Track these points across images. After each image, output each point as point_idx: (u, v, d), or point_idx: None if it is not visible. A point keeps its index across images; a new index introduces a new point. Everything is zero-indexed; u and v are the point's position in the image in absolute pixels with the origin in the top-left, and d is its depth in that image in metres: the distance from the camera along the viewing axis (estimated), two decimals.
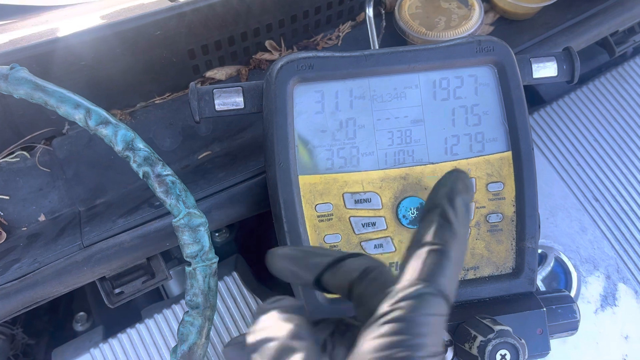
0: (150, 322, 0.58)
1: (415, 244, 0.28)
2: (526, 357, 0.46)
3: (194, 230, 0.48)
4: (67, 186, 0.62)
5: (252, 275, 0.63)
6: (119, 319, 0.61)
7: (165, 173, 0.48)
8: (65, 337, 0.68)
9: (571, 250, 0.64)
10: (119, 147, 0.48)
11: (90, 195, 0.61)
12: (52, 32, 0.55)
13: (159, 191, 0.48)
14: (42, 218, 0.61)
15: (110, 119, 0.48)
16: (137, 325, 0.57)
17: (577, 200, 0.66)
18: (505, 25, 0.73)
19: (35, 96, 0.48)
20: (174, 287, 0.68)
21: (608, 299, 0.63)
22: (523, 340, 0.46)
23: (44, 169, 0.63)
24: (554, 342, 0.60)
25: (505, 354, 0.46)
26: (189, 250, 0.49)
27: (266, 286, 0.63)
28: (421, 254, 0.27)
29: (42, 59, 0.54)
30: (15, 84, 0.48)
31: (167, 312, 0.58)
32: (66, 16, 0.60)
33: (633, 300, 0.63)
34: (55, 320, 0.77)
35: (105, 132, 0.48)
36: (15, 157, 0.63)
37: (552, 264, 0.63)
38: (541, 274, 0.62)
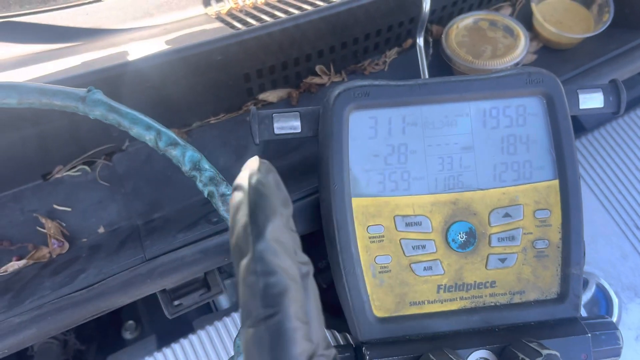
0: (202, 333, 0.60)
1: None
2: None
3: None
4: (125, 200, 0.65)
5: None
6: (170, 329, 0.63)
7: (228, 193, 0.51)
8: (113, 345, 0.71)
9: (612, 277, 0.65)
10: (186, 168, 0.51)
11: (147, 210, 0.64)
12: (122, 55, 0.59)
13: (222, 210, 0.51)
14: (101, 230, 0.64)
15: (179, 140, 0.51)
16: (190, 336, 0.60)
17: (618, 227, 0.67)
18: (548, 54, 0.75)
19: (109, 117, 0.51)
20: (222, 300, 0.70)
21: None
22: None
23: (104, 183, 0.66)
24: None
25: None
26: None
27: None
28: None
29: (112, 81, 0.57)
30: (92, 105, 0.51)
31: (218, 324, 0.60)
32: (131, 39, 0.64)
33: None
34: (104, 327, 0.79)
35: (174, 153, 0.51)
36: (77, 171, 0.67)
37: (593, 290, 0.64)
38: (583, 300, 0.63)
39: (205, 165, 0.52)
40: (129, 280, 0.53)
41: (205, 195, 0.52)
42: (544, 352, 0.48)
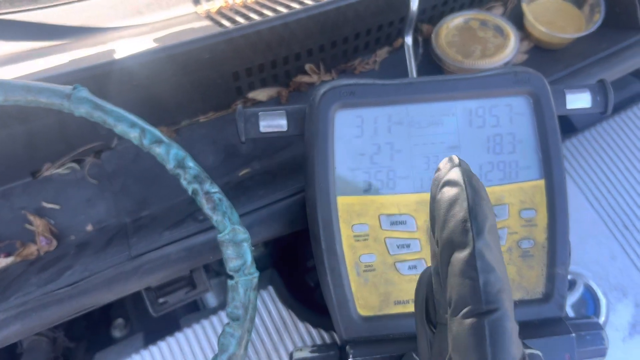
0: (189, 331, 0.60)
1: None
2: None
3: (238, 246, 0.51)
4: (114, 198, 0.65)
5: (286, 289, 0.65)
6: (157, 327, 0.63)
7: (213, 190, 0.51)
8: (102, 342, 0.71)
9: (600, 277, 0.65)
10: (170, 165, 0.51)
11: (136, 208, 0.64)
12: (110, 53, 0.59)
13: (206, 207, 0.51)
14: (89, 228, 0.64)
15: (163, 138, 0.51)
16: (177, 334, 0.60)
17: (607, 227, 0.67)
18: (540, 54, 0.74)
19: (94, 115, 0.51)
20: (209, 297, 0.70)
21: (637, 327, 0.63)
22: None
23: (93, 181, 0.66)
24: None
25: None
26: (232, 264, 0.51)
27: (299, 301, 0.65)
28: None
29: (100, 79, 0.57)
30: (77, 103, 0.51)
31: (205, 322, 0.61)
32: (120, 37, 0.64)
33: None
34: (93, 325, 0.80)
35: (158, 150, 0.51)
36: (66, 168, 0.67)
37: (581, 290, 0.64)
38: (570, 300, 0.63)
39: (190, 163, 0.52)
40: (114, 277, 0.53)
41: (190, 193, 0.52)
42: (527, 351, 0.48)
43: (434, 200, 0.30)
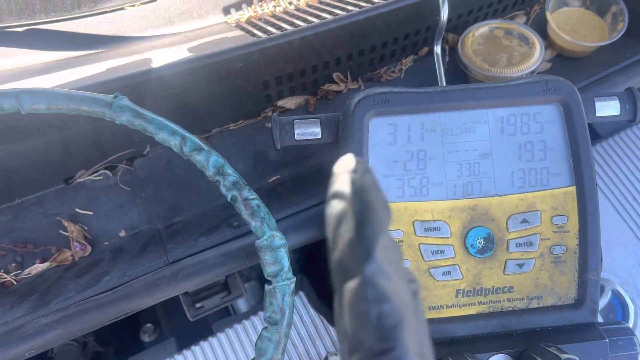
0: (221, 336, 0.61)
1: None
2: None
3: (276, 251, 0.52)
4: (146, 204, 0.66)
5: (316, 295, 0.66)
6: (189, 332, 0.64)
7: (251, 197, 0.52)
8: (131, 347, 0.72)
9: (628, 284, 0.65)
10: (210, 172, 0.52)
11: (168, 214, 0.65)
12: (145, 63, 0.60)
13: (245, 213, 0.52)
14: (122, 233, 0.65)
15: (203, 146, 0.52)
16: (210, 339, 0.61)
17: (634, 234, 0.68)
18: (563, 62, 0.75)
19: (135, 123, 0.52)
20: (241, 303, 0.71)
21: None
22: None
23: (125, 188, 0.67)
24: None
25: None
26: (270, 269, 0.52)
27: (328, 306, 0.66)
28: None
29: (136, 88, 0.58)
30: (119, 111, 0.52)
31: (238, 327, 0.61)
32: (154, 47, 0.65)
33: None
34: (122, 330, 0.80)
35: (198, 158, 0.52)
36: (99, 175, 0.68)
37: (609, 296, 0.64)
38: (599, 306, 0.64)
39: (229, 170, 0.53)
40: (153, 283, 0.54)
41: (229, 200, 0.53)
42: (563, 356, 0.49)
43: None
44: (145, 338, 0.74)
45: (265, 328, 0.53)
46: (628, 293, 0.65)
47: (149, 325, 0.75)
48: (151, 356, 0.62)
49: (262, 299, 0.63)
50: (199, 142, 0.53)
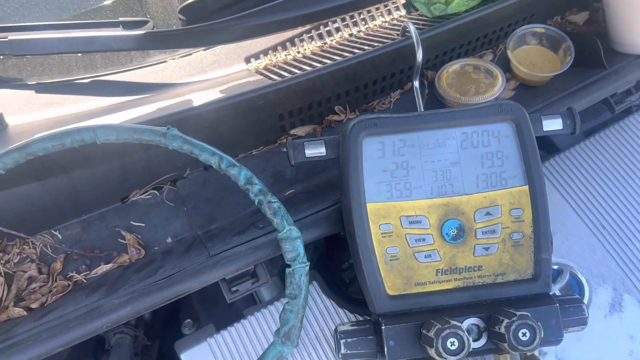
0: (252, 318, 0.75)
1: None
2: (542, 335, 0.62)
3: (293, 241, 0.67)
4: (187, 216, 0.82)
5: (326, 284, 0.80)
6: (224, 319, 0.78)
7: (273, 200, 0.68)
8: (174, 340, 0.86)
9: (583, 268, 0.79)
10: (241, 182, 0.68)
11: (205, 223, 0.81)
12: (187, 103, 0.77)
13: (269, 213, 0.68)
14: (169, 240, 0.81)
15: (236, 163, 0.69)
16: (242, 321, 0.75)
17: (588, 228, 0.82)
18: (524, 90, 0.91)
19: (184, 147, 0.69)
20: (264, 293, 0.85)
21: (615, 306, 0.77)
22: (539, 324, 0.62)
23: (170, 204, 0.83)
24: (572, 341, 0.75)
25: (525, 332, 0.61)
26: (289, 255, 0.67)
27: (336, 293, 0.80)
28: None
29: (181, 122, 0.75)
30: (171, 139, 0.69)
31: (264, 310, 0.76)
32: (191, 91, 0.82)
33: (636, 308, 0.77)
34: (166, 326, 0.95)
35: (232, 172, 0.68)
36: (149, 194, 0.84)
37: (567, 278, 0.78)
38: (559, 286, 0.78)
39: (256, 180, 0.69)
40: (199, 270, 0.69)
41: (256, 203, 0.68)
42: (518, 313, 0.63)
43: None
44: (186, 331, 0.88)
45: (287, 302, 0.68)
46: (583, 275, 0.78)
47: (188, 320, 0.89)
48: (194, 339, 0.76)
49: (282, 292, 0.78)
50: (233, 160, 0.69)
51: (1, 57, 0.83)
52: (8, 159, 0.66)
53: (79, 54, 0.84)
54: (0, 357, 0.64)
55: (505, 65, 0.92)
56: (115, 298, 0.68)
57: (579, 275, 0.78)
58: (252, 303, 0.86)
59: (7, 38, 0.78)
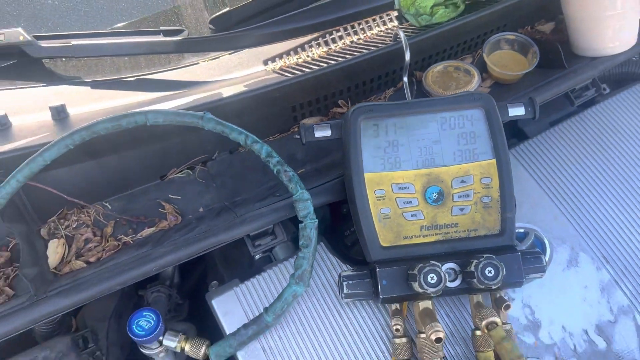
0: (270, 271, 0.91)
1: None
2: (504, 273, 0.77)
3: (305, 202, 0.84)
4: (216, 190, 0.98)
5: (331, 248, 0.96)
6: (247, 275, 0.94)
7: (288, 170, 0.84)
8: (202, 299, 1.02)
9: (546, 231, 0.95)
10: (263, 156, 0.85)
11: (231, 195, 0.97)
12: (216, 95, 0.94)
13: (285, 180, 0.84)
14: (201, 209, 0.97)
15: (259, 140, 0.85)
16: (262, 273, 0.91)
17: (550, 199, 0.98)
18: (498, 87, 1.08)
19: (217, 128, 0.86)
20: (279, 252, 1.00)
21: (572, 262, 0.93)
22: (502, 264, 0.78)
23: (201, 181, 1.00)
24: (536, 290, 0.90)
25: (490, 270, 0.77)
26: (302, 213, 0.83)
27: (339, 252, 0.96)
28: None
29: (213, 110, 0.92)
30: (207, 121, 0.85)
31: (280, 265, 0.91)
32: (220, 86, 0.99)
33: (589, 263, 0.92)
34: (195, 287, 1.11)
35: (256, 147, 0.85)
36: (183, 173, 1.01)
37: (532, 239, 0.94)
38: (525, 245, 0.93)
39: (274, 154, 0.85)
40: (229, 227, 0.85)
41: (275, 172, 0.85)
42: (485, 255, 0.79)
43: None
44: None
45: (299, 251, 0.84)
46: (546, 237, 0.94)
47: (214, 282, 1.04)
48: (222, 290, 0.91)
49: (295, 253, 0.94)
50: (257, 138, 0.86)
51: (64, 59, 1.00)
52: (77, 136, 0.83)
53: (127, 57, 1.01)
54: (70, 294, 0.80)
55: (482, 67, 1.09)
56: (161, 248, 0.84)
57: (543, 237, 0.94)
58: (269, 262, 1.01)
59: (70, 43, 0.95)
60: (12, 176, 0.80)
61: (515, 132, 1.12)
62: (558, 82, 1.03)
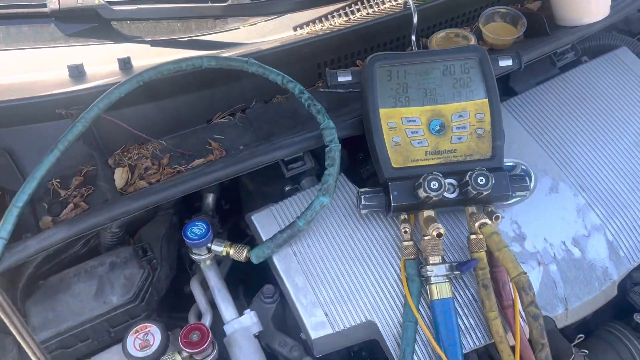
0: (299, 195, 1.09)
1: None
2: (493, 182, 0.95)
3: (331, 130, 1.02)
4: (254, 133, 1.17)
5: (350, 179, 1.14)
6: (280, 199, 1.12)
7: (317, 104, 1.03)
8: (240, 232, 1.20)
9: (532, 165, 1.13)
10: (296, 93, 1.04)
11: (267, 136, 1.16)
12: (257, 49, 1.14)
13: (314, 111, 1.03)
14: (241, 147, 1.16)
15: (293, 80, 1.04)
16: (292, 196, 1.09)
17: (535, 140, 1.16)
18: (492, 52, 1.27)
19: (259, 70, 1.05)
20: (306, 185, 1.18)
21: (553, 189, 1.10)
22: (492, 175, 0.96)
23: (240, 125, 1.19)
24: (522, 210, 1.08)
25: (482, 179, 0.95)
26: (327, 139, 1.02)
27: (354, 181, 1.14)
28: None
29: (256, 58, 1.11)
30: (251, 65, 1.05)
31: (307, 191, 1.10)
32: (260, 45, 1.19)
33: (568, 190, 1.10)
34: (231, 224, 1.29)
35: (290, 85, 1.04)
36: (226, 118, 1.20)
37: (520, 170, 1.12)
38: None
39: (305, 91, 1.04)
40: (268, 151, 1.04)
41: (305, 106, 1.04)
42: (478, 168, 0.96)
43: None
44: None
45: (325, 169, 1.02)
46: (531, 169, 1.12)
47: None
48: (259, 210, 1.09)
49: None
50: (291, 79, 1.05)
51: (128, 22, 1.21)
52: (146, 74, 1.02)
53: (180, 21, 1.21)
54: (139, 198, 0.99)
55: (478, 36, 1.28)
56: (212, 167, 1.03)
57: (529, 169, 1.12)
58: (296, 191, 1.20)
59: (135, 7, 1.16)
60: (94, 104, 1.00)
61: (507, 91, 1.30)
62: (542, 44, 1.22)
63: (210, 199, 1.25)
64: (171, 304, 1.18)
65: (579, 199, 1.10)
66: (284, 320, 1.12)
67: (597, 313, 1.10)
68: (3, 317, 0.58)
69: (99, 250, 1.13)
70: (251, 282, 1.18)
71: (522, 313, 0.94)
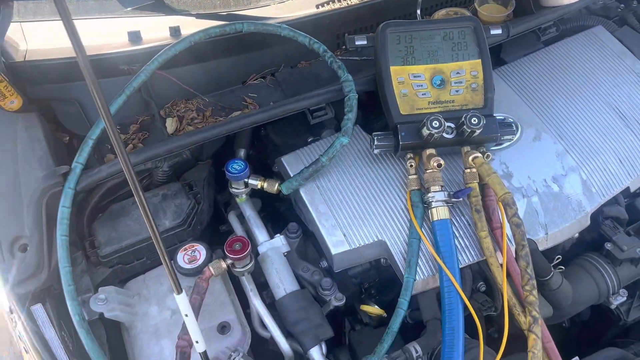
0: (320, 141, 1.29)
1: None
2: (484, 122, 1.15)
3: (349, 82, 1.23)
4: (282, 92, 1.38)
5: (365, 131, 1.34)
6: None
7: (338, 60, 1.24)
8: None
9: (518, 119, 1.33)
10: (320, 52, 1.25)
11: (294, 93, 1.36)
12: (286, 19, 1.35)
13: (335, 67, 1.24)
14: (271, 103, 1.36)
15: (316, 41, 1.25)
16: (316, 142, 1.29)
17: (521, 99, 1.36)
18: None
19: (290, 34, 1.26)
20: (326, 133, 1.38)
21: (536, 138, 1.30)
22: (483, 116, 1.16)
23: (271, 86, 1.40)
24: (508, 154, 1.28)
25: (475, 119, 1.15)
26: (347, 89, 1.23)
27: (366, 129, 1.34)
28: None
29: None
30: (283, 29, 1.25)
31: (329, 138, 1.30)
32: (288, 19, 1.40)
33: (549, 139, 1.30)
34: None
35: (315, 46, 1.25)
36: (258, 80, 1.41)
37: (510, 122, 1.32)
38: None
39: (328, 50, 1.25)
40: (297, 100, 1.24)
41: (328, 64, 1.25)
42: (471, 111, 1.17)
43: None
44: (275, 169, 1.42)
45: (344, 114, 1.22)
46: (519, 122, 1.32)
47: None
48: (287, 154, 1.29)
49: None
50: (317, 41, 1.26)
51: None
52: (197, 36, 1.23)
53: None
54: (191, 135, 1.19)
55: (474, 14, 1.50)
56: (249, 114, 1.24)
57: (517, 122, 1.32)
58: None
59: None
60: (154, 59, 1.21)
61: (498, 62, 1.51)
62: (528, 20, 1.43)
63: (242, 153, 1.46)
64: (210, 238, 1.38)
65: (558, 146, 1.29)
66: (305, 253, 1.31)
67: (574, 247, 1.30)
68: None
69: (150, 189, 1.33)
70: (277, 222, 1.38)
71: (509, 231, 1.14)
